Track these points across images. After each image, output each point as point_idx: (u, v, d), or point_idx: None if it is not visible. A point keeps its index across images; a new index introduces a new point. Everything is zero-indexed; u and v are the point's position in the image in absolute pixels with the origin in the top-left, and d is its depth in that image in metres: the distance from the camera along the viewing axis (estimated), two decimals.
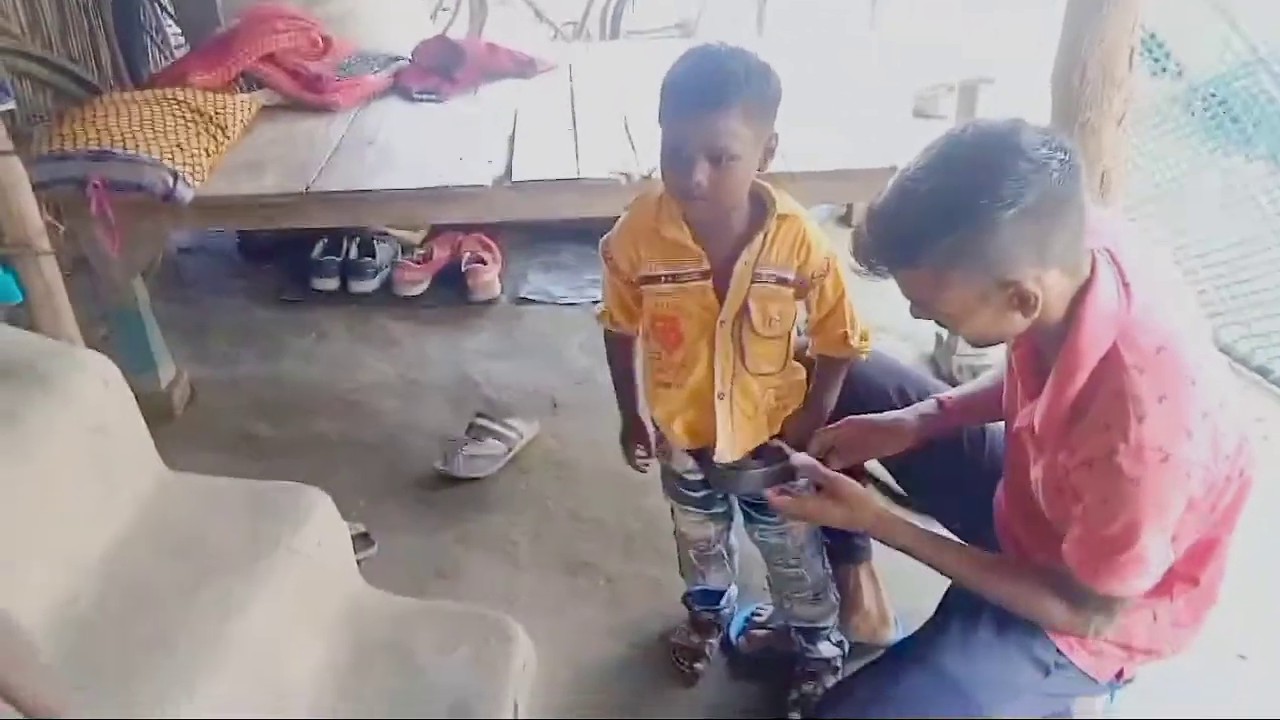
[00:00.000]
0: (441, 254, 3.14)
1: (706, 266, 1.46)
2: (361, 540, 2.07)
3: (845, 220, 3.40)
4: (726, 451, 1.55)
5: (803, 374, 1.60)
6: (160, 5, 3.61)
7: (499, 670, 1.70)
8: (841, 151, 2.34)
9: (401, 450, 2.41)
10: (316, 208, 2.23)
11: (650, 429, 1.67)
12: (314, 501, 1.74)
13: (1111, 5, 1.86)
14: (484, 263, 3.10)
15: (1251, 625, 1.90)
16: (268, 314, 2.98)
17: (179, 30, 3.64)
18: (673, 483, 1.72)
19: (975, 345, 1.52)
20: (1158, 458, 1.15)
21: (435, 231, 3.23)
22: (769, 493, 1.48)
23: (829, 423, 1.58)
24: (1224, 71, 2.97)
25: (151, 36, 3.55)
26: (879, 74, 2.90)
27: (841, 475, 1.44)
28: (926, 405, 1.59)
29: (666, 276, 1.49)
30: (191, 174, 2.17)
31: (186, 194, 2.14)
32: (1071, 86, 1.96)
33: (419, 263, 3.11)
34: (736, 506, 1.73)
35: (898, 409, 1.61)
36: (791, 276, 1.46)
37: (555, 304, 3.03)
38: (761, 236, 1.44)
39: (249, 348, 2.81)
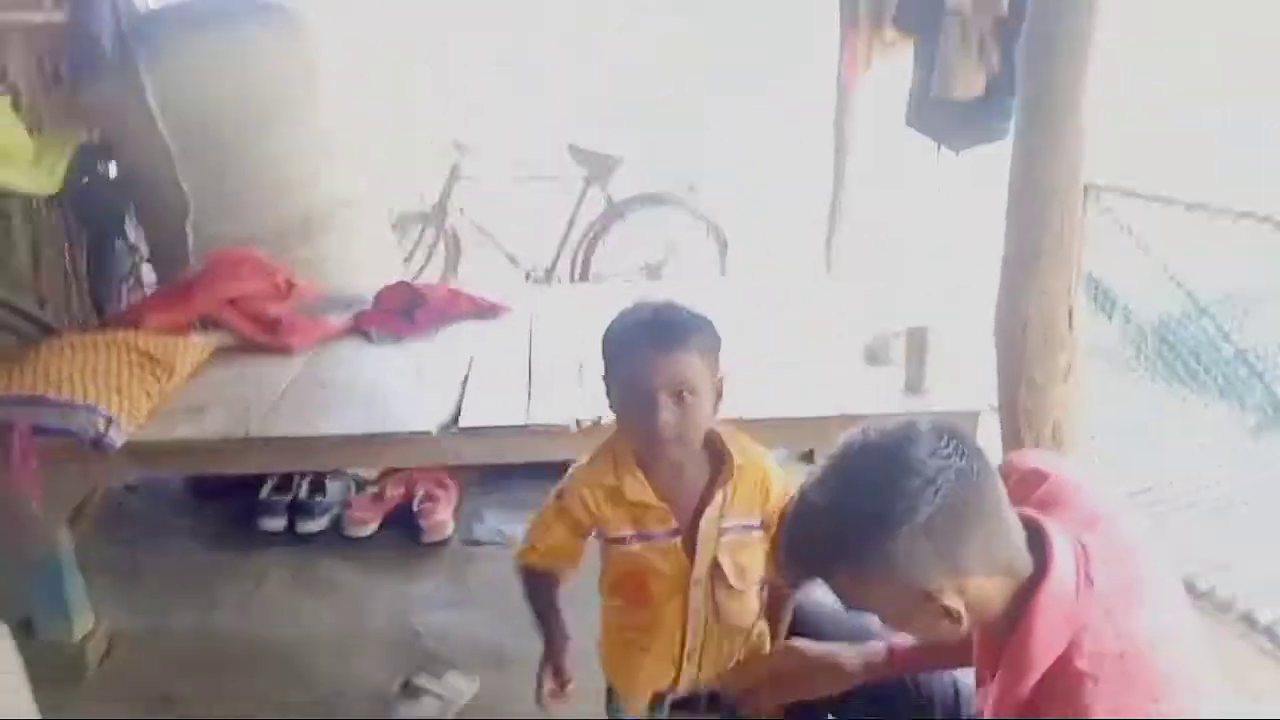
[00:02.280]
0: (395, 491, 3.06)
1: (674, 525, 1.43)
2: None
3: (807, 458, 3.36)
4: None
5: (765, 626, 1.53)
6: (137, 250, 3.71)
7: None
8: (793, 398, 2.34)
9: (332, 713, 2.23)
10: (256, 453, 2.17)
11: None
12: None
13: (1049, 260, 1.91)
14: (437, 500, 3.02)
15: None
16: (207, 557, 2.85)
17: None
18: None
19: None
20: None
21: (388, 470, 3.17)
22: None
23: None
24: (1168, 319, 3.03)
25: (125, 280, 3.63)
26: (833, 319, 2.96)
27: None
28: (873, 649, 1.48)
29: (633, 537, 1.45)
30: (128, 418, 2.13)
31: (118, 439, 2.08)
32: (1014, 343, 1.97)
33: (371, 501, 3.02)
34: None
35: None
36: (757, 522, 1.46)
37: (509, 546, 2.92)
38: (722, 493, 1.42)
39: (182, 595, 2.67)
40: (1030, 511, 1.18)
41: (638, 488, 1.41)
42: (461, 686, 2.27)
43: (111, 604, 2.52)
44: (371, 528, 2.98)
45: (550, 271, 5.17)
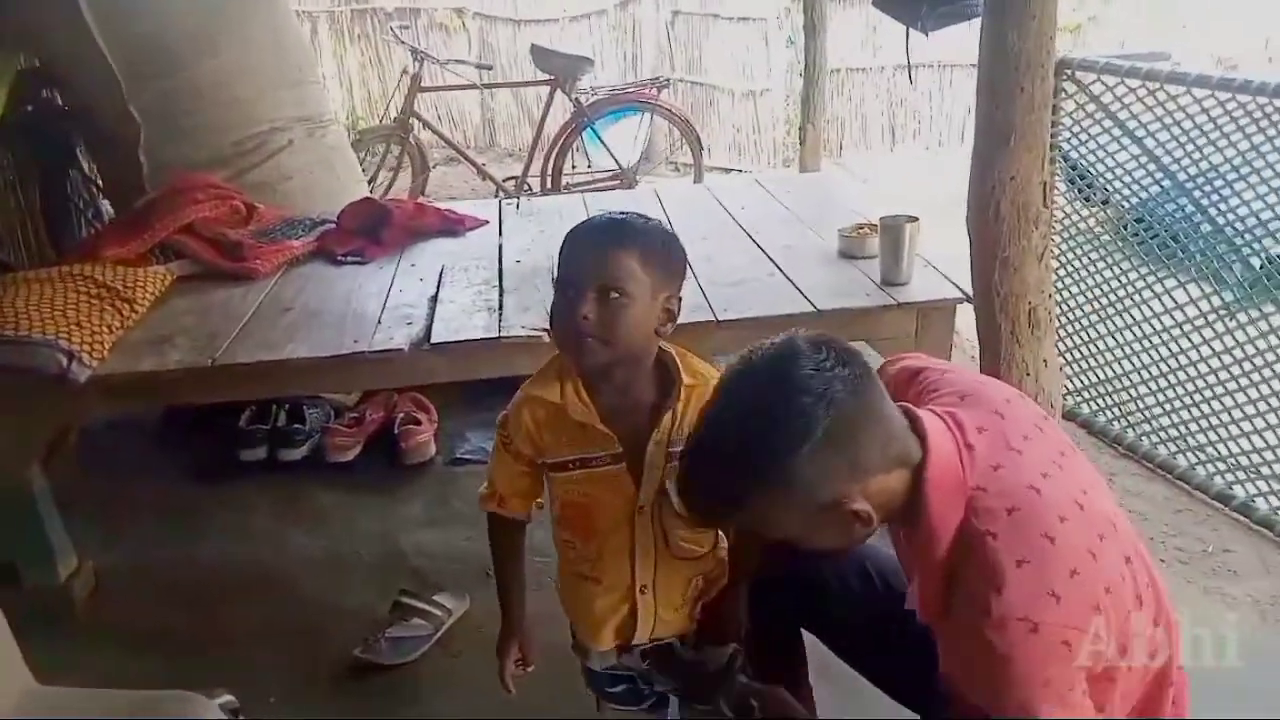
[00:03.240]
0: (375, 416, 3.03)
1: (619, 449, 1.37)
2: None
3: None
4: (640, 642, 1.46)
5: (725, 552, 1.50)
6: (93, 181, 3.60)
7: None
8: (768, 298, 2.31)
9: (322, 638, 2.23)
10: (223, 381, 2.13)
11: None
12: (199, 712, 1.57)
13: (1021, 137, 1.85)
14: (418, 423, 2.99)
15: None
16: (189, 491, 2.83)
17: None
18: (592, 678, 1.59)
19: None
20: (1024, 629, 1.06)
21: (368, 392, 3.13)
22: None
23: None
24: (1147, 198, 2.99)
25: (83, 212, 3.53)
26: (807, 215, 2.91)
27: (783, 696, 1.39)
28: None
29: (576, 462, 1.40)
30: (90, 352, 2.07)
31: (82, 374, 2.03)
32: (988, 223, 1.92)
33: (350, 426, 2.99)
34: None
35: (855, 589, 1.52)
36: None
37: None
38: (671, 413, 1.37)
39: (165, 530, 2.65)
40: (904, 404, 1.21)
41: (581, 409, 1.35)
42: (451, 605, 2.27)
43: (95, 543, 2.50)
44: (353, 453, 2.95)
45: (521, 183, 5.06)
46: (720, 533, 1.48)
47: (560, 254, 1.35)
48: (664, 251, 1.34)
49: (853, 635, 1.55)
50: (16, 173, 3.30)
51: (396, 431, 2.95)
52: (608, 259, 1.28)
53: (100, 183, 3.57)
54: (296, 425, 2.96)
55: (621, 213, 1.39)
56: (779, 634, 1.56)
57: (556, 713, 1.82)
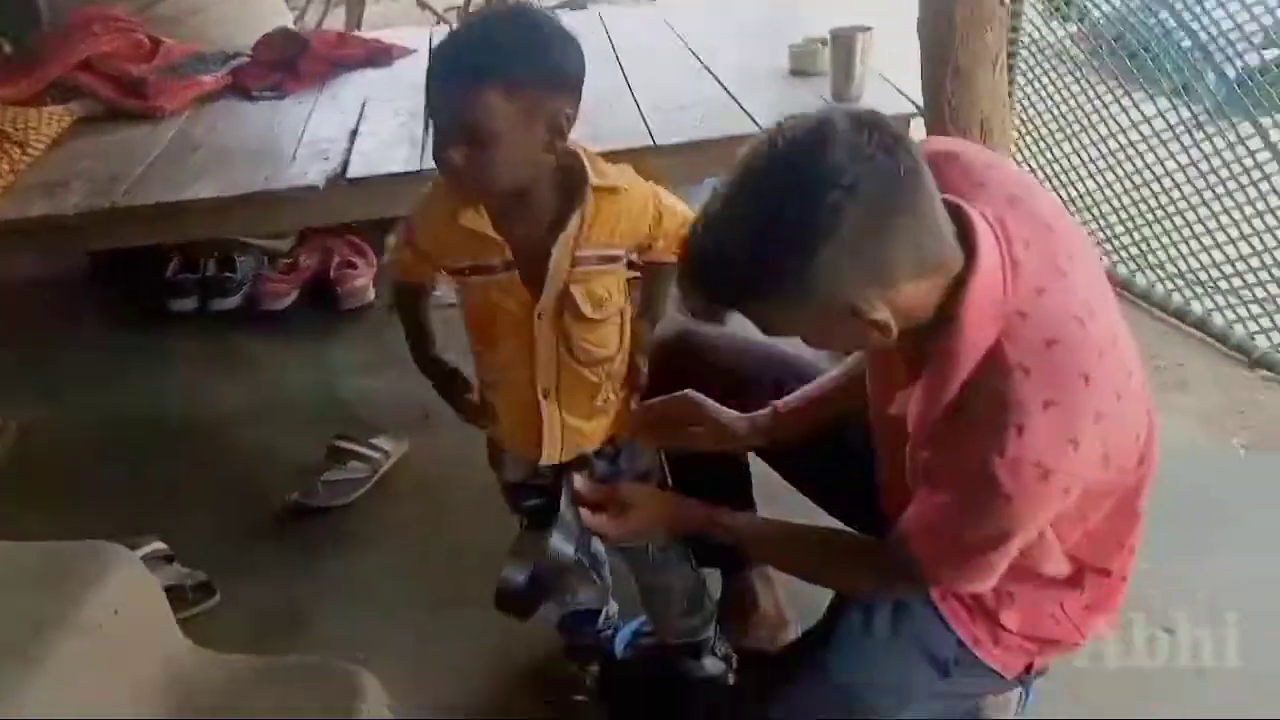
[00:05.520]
0: (309, 262, 2.91)
1: (509, 257, 1.27)
2: (201, 591, 1.87)
3: None
4: (552, 454, 1.38)
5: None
6: None
7: None
8: (711, 121, 2.17)
9: (257, 485, 2.18)
10: (125, 225, 2.00)
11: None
12: (110, 561, 1.50)
13: None
14: (355, 267, 2.88)
15: (1173, 596, 1.77)
16: (117, 344, 2.72)
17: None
18: (510, 493, 1.53)
19: None
20: (1035, 474, 0.98)
21: (303, 238, 3.00)
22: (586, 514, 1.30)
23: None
24: (1124, 11, 2.83)
25: None
26: (755, 31, 2.74)
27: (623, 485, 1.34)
28: (759, 414, 1.42)
29: (471, 269, 1.30)
30: None
31: None
32: (940, 25, 1.79)
33: (284, 273, 2.87)
34: None
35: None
36: (620, 253, 1.31)
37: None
38: (578, 218, 1.26)
39: (93, 383, 2.56)
40: (950, 197, 1.05)
41: (472, 215, 1.26)
42: (389, 448, 2.22)
43: (19, 397, 2.42)
44: (288, 301, 2.85)
45: (464, 11, 4.76)
46: (627, 338, 1.40)
47: (426, 76, 1.20)
48: (540, 67, 1.17)
49: (797, 455, 1.49)
50: None
51: (333, 277, 2.84)
52: (469, 99, 1.13)
53: None
54: (227, 274, 2.84)
55: (492, 19, 1.24)
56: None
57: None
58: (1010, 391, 0.98)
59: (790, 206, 0.94)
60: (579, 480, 1.32)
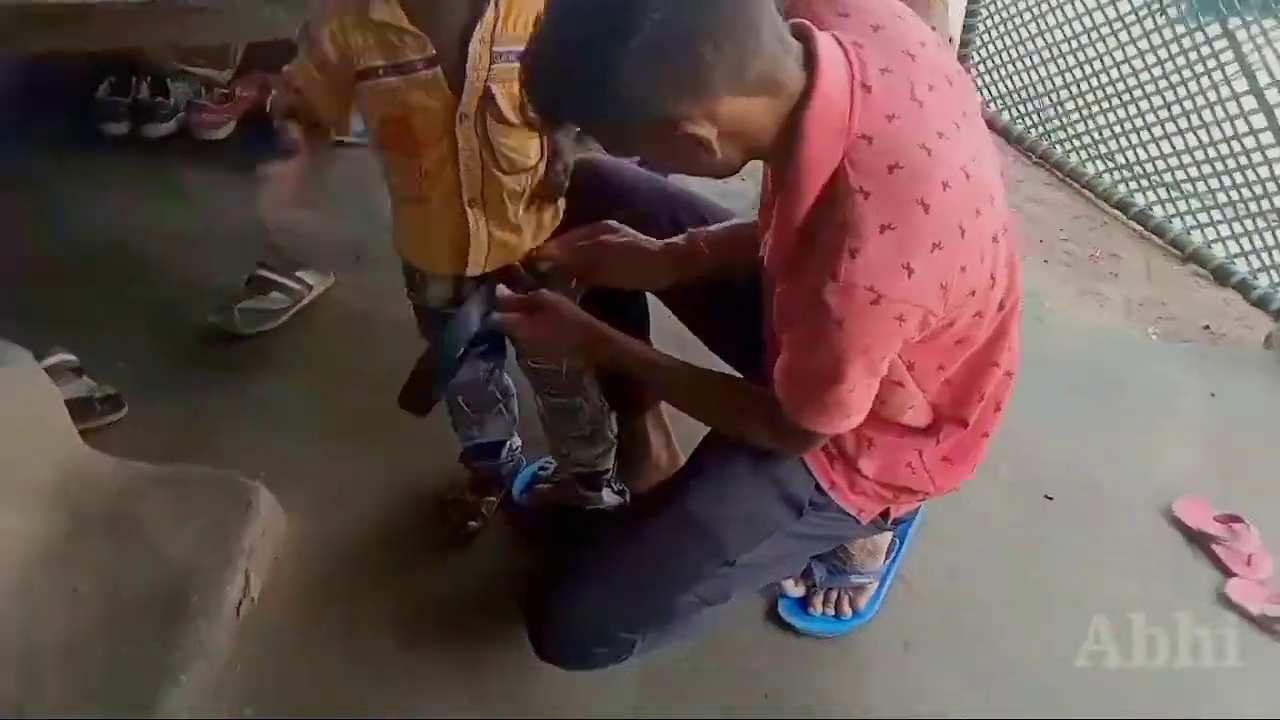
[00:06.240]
0: (247, 93, 2.82)
1: (431, 52, 1.24)
2: (108, 404, 1.87)
3: None
4: (479, 261, 1.38)
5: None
6: None
7: (231, 540, 1.53)
8: None
9: (177, 310, 2.15)
10: (33, 29, 1.90)
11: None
12: (5, 361, 1.51)
13: None
14: None
15: (1056, 465, 1.82)
16: (41, 165, 2.61)
17: None
18: (428, 320, 1.54)
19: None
20: (867, 299, 0.98)
21: (242, 68, 2.90)
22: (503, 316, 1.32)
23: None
24: None
25: None
26: None
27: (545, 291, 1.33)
28: (677, 240, 1.41)
29: (386, 68, 1.26)
30: None
31: None
32: None
33: (220, 103, 2.79)
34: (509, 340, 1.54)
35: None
36: None
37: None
38: (492, 10, 1.24)
39: (12, 204, 2.46)
40: (800, 21, 1.04)
41: (384, 9, 1.22)
42: (313, 281, 2.20)
43: None
44: (224, 131, 2.76)
45: None
46: (548, 149, 1.38)
47: None
48: None
49: (699, 299, 1.49)
50: None
51: (269, 110, 2.75)
52: None
53: None
54: (160, 99, 2.74)
55: None
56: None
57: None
58: (848, 214, 0.99)
59: (588, 16, 0.96)
60: (501, 286, 1.33)
